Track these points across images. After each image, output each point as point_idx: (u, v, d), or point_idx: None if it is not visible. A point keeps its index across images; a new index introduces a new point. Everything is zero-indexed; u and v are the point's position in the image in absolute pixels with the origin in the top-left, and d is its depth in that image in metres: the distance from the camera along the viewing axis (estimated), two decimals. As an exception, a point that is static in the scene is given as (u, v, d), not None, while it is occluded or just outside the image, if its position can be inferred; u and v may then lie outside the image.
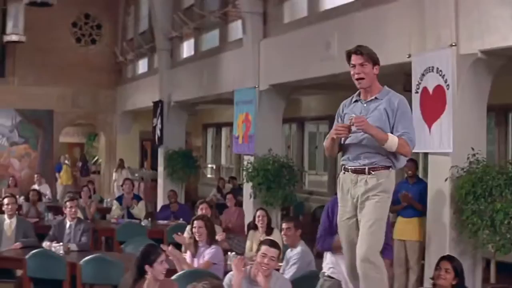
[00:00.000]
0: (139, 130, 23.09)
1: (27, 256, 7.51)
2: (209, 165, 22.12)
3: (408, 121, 4.88)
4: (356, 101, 4.99)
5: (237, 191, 15.68)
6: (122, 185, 13.34)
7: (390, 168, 4.81)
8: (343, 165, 4.91)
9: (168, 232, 10.16)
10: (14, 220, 8.88)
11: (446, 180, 7.53)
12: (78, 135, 26.77)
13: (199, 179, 20.55)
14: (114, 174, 20.82)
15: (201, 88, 15.35)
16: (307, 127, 16.54)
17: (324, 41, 10.26)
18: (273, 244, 5.64)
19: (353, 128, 4.68)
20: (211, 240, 6.97)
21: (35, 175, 17.39)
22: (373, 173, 4.74)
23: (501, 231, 7.00)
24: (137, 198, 12.35)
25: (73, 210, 8.66)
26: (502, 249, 7.11)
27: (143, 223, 10.97)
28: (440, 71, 7.56)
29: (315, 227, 6.96)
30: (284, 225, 6.97)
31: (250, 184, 12.17)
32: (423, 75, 7.90)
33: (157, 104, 17.62)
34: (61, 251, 7.96)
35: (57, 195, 19.39)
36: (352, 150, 4.86)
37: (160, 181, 17.77)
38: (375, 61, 4.88)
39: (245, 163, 12.61)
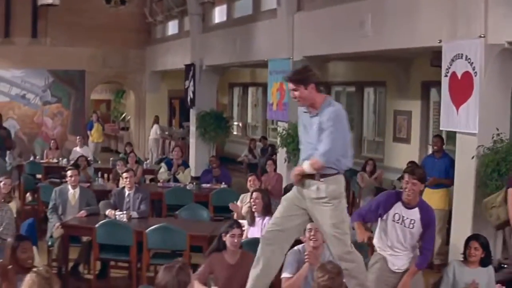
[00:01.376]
0: (168, 88, 23.85)
1: (97, 225, 8.38)
2: (235, 123, 22.89)
3: (329, 136, 5.17)
4: (305, 112, 5.42)
5: (267, 150, 16.59)
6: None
7: (338, 173, 5.30)
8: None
9: (212, 196, 11.07)
10: (77, 190, 9.60)
11: (472, 158, 8.33)
12: (106, 92, 27.59)
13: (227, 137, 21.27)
14: (151, 131, 21.64)
15: (234, 54, 16.09)
16: (334, 91, 17.27)
17: (358, 19, 10.93)
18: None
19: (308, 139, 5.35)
20: (266, 211, 7.84)
21: (77, 138, 17.79)
22: (322, 180, 5.24)
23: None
24: (185, 165, 13.24)
25: (128, 180, 9.53)
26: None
27: (188, 187, 11.81)
28: (469, 59, 8.28)
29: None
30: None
31: (285, 149, 13.05)
32: (452, 60, 8.62)
33: (189, 67, 18.38)
34: (124, 219, 8.84)
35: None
36: (304, 155, 5.41)
37: (192, 140, 18.65)
38: (306, 83, 5.23)
39: (280, 129, 13.42)
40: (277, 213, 5.62)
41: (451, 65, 8.66)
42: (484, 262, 6.28)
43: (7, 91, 21.57)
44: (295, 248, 6.15)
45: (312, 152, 5.23)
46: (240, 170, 18.08)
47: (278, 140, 13.43)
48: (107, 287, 8.75)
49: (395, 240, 6.07)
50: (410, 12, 9.72)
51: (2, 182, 8.89)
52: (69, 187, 9.66)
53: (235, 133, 23.29)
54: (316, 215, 5.38)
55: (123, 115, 26.97)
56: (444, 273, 6.39)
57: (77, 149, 16.56)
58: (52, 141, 17.21)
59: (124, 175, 9.64)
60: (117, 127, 26.57)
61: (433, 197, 9.45)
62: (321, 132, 5.18)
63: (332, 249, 5.42)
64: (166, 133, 21.51)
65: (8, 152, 15.41)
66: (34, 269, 4.60)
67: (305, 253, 6.01)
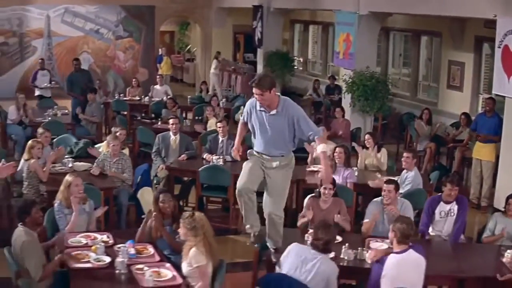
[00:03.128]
0: (233, 24, 24.84)
1: (200, 169, 10.07)
2: (296, 58, 24.19)
3: (306, 122, 6.39)
4: (261, 110, 6.41)
5: (333, 90, 18.09)
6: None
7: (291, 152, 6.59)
8: (258, 152, 6.58)
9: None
10: (178, 136, 11.21)
11: (519, 121, 9.88)
12: (170, 24, 28.52)
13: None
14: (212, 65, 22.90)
15: (301, 1, 17.51)
16: (392, 35, 18.51)
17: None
18: (389, 181, 7.94)
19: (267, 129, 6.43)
20: (347, 163, 9.61)
21: (157, 76, 19.01)
22: (284, 156, 6.51)
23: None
24: (262, 108, 14.77)
25: (221, 129, 11.11)
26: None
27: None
28: (521, 35, 9.72)
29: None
30: (405, 154, 9.49)
31: (349, 95, 14.61)
32: (505, 35, 10.02)
33: (257, 8, 19.75)
34: (221, 162, 10.58)
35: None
36: (265, 146, 6.51)
37: (260, 77, 20.14)
38: (270, 88, 6.23)
39: (346, 77, 14.90)
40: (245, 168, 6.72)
41: (504, 38, 10.06)
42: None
43: (82, 26, 22.57)
44: (376, 199, 7.87)
45: (285, 143, 6.46)
46: (303, 105, 19.66)
47: (344, 86, 14.94)
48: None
49: (442, 229, 7.77)
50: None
51: (118, 132, 10.46)
52: (171, 133, 11.28)
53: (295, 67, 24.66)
54: (273, 178, 6.57)
55: (188, 47, 28.31)
56: (488, 221, 7.97)
57: (157, 87, 17.79)
58: (134, 80, 18.49)
59: (218, 124, 11.20)
60: (182, 58, 27.92)
61: (483, 151, 11.06)
62: (297, 122, 6.33)
63: (271, 205, 6.63)
64: (233, 67, 22.95)
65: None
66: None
67: (384, 204, 7.72)
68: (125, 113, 16.31)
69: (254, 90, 6.24)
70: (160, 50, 23.40)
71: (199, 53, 25.75)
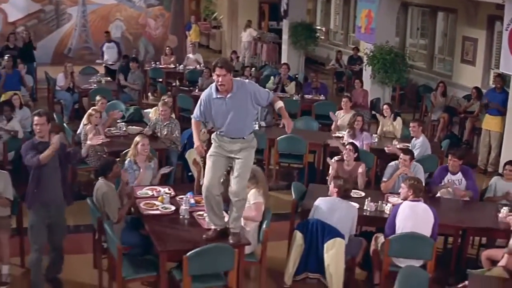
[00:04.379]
0: None
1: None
2: (318, 27, 25.32)
3: (260, 91, 6.69)
4: (218, 98, 6.57)
5: (355, 60, 19.31)
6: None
7: (252, 133, 6.86)
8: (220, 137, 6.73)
9: (315, 107, 14.15)
10: None
11: (521, 95, 11.15)
12: None
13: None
14: (242, 34, 23.92)
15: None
16: (410, 10, 19.66)
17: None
18: (406, 152, 9.21)
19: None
20: (364, 129, 11.05)
21: (189, 46, 20.27)
22: (245, 138, 6.72)
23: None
24: (290, 78, 16.11)
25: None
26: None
27: (294, 98, 14.84)
28: (526, 19, 10.94)
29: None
30: (411, 124, 10.84)
31: (370, 67, 15.87)
32: (512, 19, 11.27)
33: (284, -20, 20.94)
34: (256, 127, 11.80)
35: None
36: (226, 130, 6.66)
37: (284, 47, 21.30)
38: (230, 70, 6.54)
39: (367, 50, 16.14)
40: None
41: (511, 22, 11.27)
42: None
43: None
44: (392, 163, 9.26)
45: (245, 124, 6.71)
46: (325, 73, 20.99)
47: (365, 59, 16.20)
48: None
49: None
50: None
51: (166, 99, 11.84)
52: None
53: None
54: (238, 161, 6.75)
55: (214, 15, 29.51)
56: (489, 185, 9.29)
57: (190, 55, 18.97)
58: (167, 48, 19.63)
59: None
60: (209, 26, 29.07)
61: (492, 122, 12.42)
62: (255, 94, 6.61)
63: (236, 184, 6.72)
64: (258, 36, 24.15)
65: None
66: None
67: (399, 167, 9.08)
68: (161, 80, 17.64)
69: (217, 71, 6.47)
70: (191, 18, 24.44)
71: (226, 21, 26.86)
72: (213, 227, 6.97)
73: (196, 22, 24.97)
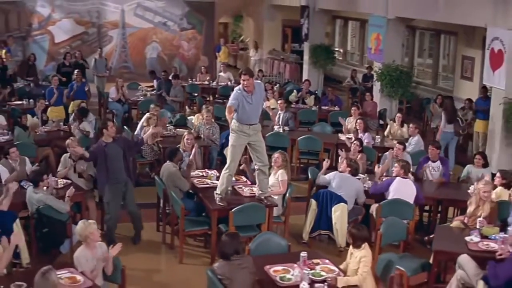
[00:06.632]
0: (282, 18, 28.17)
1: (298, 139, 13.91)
2: (336, 49, 27.60)
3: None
4: (245, 95, 8.75)
5: (368, 78, 21.64)
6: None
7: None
8: (242, 124, 8.96)
9: (330, 116, 16.50)
10: None
11: (500, 104, 13.47)
12: (226, 16, 31.75)
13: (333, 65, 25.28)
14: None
15: (340, 3, 21.29)
16: (418, 33, 22.06)
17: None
18: (401, 143, 11.68)
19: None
20: (365, 130, 13.37)
21: (221, 66, 22.74)
22: (257, 124, 9.10)
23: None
24: (311, 93, 18.52)
25: (280, 105, 14.99)
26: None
27: (313, 109, 17.25)
28: (502, 41, 13.25)
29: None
30: (410, 125, 13.27)
31: (379, 83, 18.26)
32: (492, 40, 13.58)
33: (304, 8, 23.26)
34: (280, 130, 14.19)
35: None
36: (248, 117, 8.93)
37: (305, 66, 23.73)
38: (253, 76, 8.91)
39: (376, 68, 18.56)
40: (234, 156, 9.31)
41: (491, 43, 13.63)
42: (484, 165, 11.29)
43: (151, 19, 25.89)
44: (387, 152, 11.66)
45: (258, 113, 9.13)
46: (342, 90, 23.34)
47: (375, 76, 18.59)
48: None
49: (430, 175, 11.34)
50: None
51: (208, 108, 14.24)
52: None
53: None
54: (257, 139, 9.16)
55: (241, 37, 31.96)
56: (463, 171, 11.54)
57: (222, 74, 21.47)
58: (203, 67, 22.22)
59: (279, 101, 15.13)
60: (237, 47, 31.49)
61: (480, 124, 14.89)
62: (262, 95, 9.14)
63: (262, 158, 9.23)
64: (282, 57, 26.62)
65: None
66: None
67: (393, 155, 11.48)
68: (196, 94, 20.13)
69: (243, 77, 8.73)
70: (220, 40, 26.93)
71: (252, 43, 29.31)
72: (220, 196, 9.30)
73: (225, 44, 27.38)
